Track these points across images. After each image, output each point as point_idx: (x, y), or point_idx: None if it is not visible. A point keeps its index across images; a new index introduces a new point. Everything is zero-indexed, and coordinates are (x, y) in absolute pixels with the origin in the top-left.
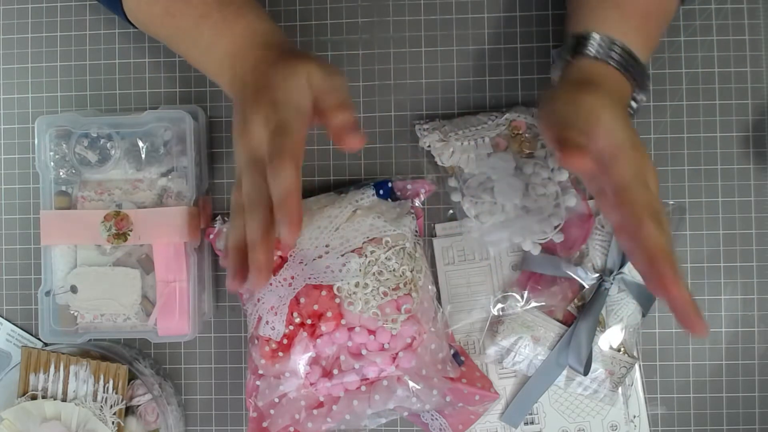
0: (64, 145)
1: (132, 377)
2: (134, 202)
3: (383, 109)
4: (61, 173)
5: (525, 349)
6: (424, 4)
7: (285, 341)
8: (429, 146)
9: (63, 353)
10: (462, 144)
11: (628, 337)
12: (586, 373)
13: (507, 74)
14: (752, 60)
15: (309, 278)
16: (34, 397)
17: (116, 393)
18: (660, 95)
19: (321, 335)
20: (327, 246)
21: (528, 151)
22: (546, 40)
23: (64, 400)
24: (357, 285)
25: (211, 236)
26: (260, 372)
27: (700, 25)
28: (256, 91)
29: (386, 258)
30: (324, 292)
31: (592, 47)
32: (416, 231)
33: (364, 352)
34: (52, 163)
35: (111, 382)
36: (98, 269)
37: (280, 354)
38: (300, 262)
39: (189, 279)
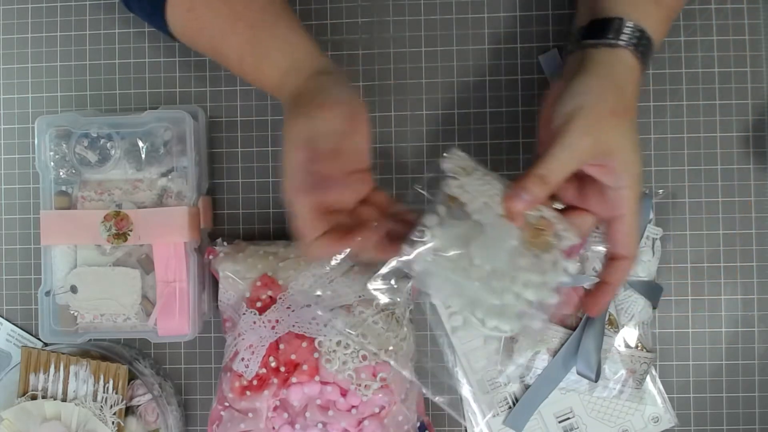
0: (64, 145)
1: (132, 377)
2: (134, 202)
3: (383, 109)
4: (61, 173)
5: (544, 363)
6: (424, 4)
7: (255, 382)
8: (448, 168)
9: (63, 353)
10: (480, 187)
11: (643, 332)
12: (597, 378)
13: (507, 74)
14: (752, 60)
15: (294, 326)
16: (34, 397)
17: (116, 393)
18: (660, 95)
19: (291, 385)
20: (318, 296)
21: (535, 249)
22: (546, 40)
23: (64, 400)
24: (338, 344)
25: (211, 257)
26: (226, 403)
27: (700, 25)
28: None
29: (373, 321)
30: (305, 344)
31: (626, 34)
32: (410, 294)
33: (331, 413)
34: (52, 163)
35: (111, 382)
36: (98, 269)
37: (248, 393)
38: (288, 308)
39: (189, 279)
